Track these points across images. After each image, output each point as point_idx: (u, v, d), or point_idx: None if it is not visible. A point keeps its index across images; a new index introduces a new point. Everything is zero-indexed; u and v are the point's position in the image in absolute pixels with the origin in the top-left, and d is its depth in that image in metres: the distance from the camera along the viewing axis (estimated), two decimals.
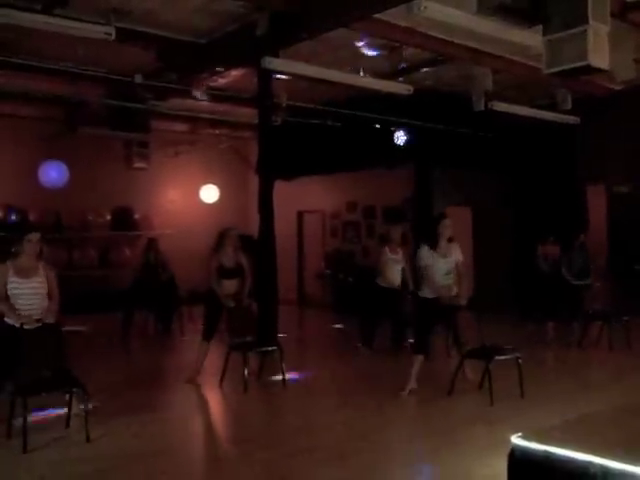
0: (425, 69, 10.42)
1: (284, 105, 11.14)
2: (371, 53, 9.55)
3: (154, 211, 14.94)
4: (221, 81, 10.56)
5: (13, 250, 5.80)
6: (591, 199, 13.08)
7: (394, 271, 9.14)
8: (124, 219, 14.55)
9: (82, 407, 5.55)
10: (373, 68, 10.07)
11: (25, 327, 5.60)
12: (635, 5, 8.07)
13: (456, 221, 12.61)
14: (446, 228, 6.94)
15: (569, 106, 11.00)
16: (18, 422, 5.22)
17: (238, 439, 5.76)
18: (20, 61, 9.31)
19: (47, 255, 6.11)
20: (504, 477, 2.18)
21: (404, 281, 9.18)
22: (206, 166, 15.58)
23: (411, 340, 8.67)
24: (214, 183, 15.65)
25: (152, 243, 11.31)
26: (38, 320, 5.72)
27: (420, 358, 6.94)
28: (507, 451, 2.16)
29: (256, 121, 9.67)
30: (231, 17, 8.53)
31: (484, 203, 13.48)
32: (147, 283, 10.85)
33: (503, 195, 13.75)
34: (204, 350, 7.63)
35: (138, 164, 14.64)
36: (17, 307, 5.68)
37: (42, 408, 5.91)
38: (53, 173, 12.57)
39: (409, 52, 9.52)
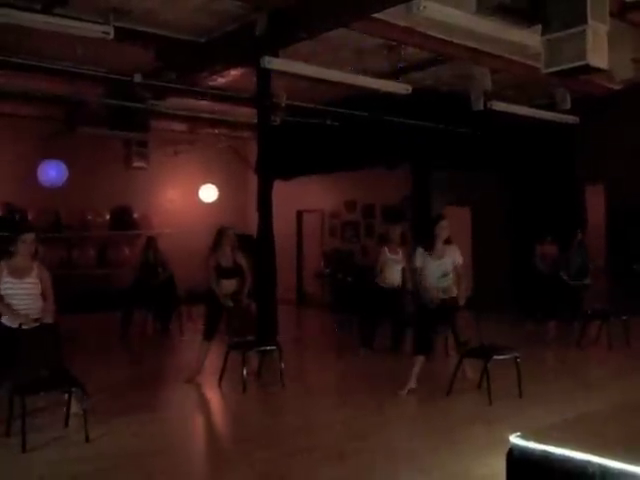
0: (424, 69, 10.43)
1: (283, 105, 11.13)
2: (368, 54, 9.54)
3: (153, 210, 14.94)
4: (220, 81, 10.56)
5: (8, 250, 5.79)
6: (590, 199, 13.09)
7: (394, 271, 9.15)
8: (123, 218, 14.55)
9: (81, 406, 5.55)
10: (372, 68, 10.07)
11: (23, 327, 5.60)
12: (634, 5, 8.08)
13: (455, 221, 12.69)
14: (443, 230, 6.95)
15: (568, 106, 11.00)
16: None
17: (237, 438, 5.77)
18: (19, 61, 9.31)
19: (42, 255, 6.09)
20: (503, 476, 2.18)
21: (404, 281, 9.18)
22: (205, 166, 15.59)
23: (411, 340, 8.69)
24: (213, 182, 15.65)
25: (151, 242, 11.31)
26: (36, 320, 5.72)
27: (421, 359, 6.94)
28: (505, 450, 2.16)
29: (255, 121, 9.67)
30: (230, 17, 8.53)
31: (483, 203, 13.48)
32: (146, 282, 10.86)
33: (502, 195, 13.75)
34: (205, 350, 7.63)
35: (137, 163, 14.64)
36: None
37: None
38: (52, 172, 12.57)
39: (408, 52, 9.52)
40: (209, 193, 15.70)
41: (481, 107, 10.29)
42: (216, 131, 14.69)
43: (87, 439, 5.32)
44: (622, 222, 12.23)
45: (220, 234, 7.70)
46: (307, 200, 15.42)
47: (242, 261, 7.71)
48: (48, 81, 10.63)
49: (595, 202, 12.90)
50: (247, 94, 10.60)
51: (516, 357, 6.72)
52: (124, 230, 14.43)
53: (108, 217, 14.48)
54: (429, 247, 6.93)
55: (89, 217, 14.24)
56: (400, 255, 9.21)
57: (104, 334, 11.24)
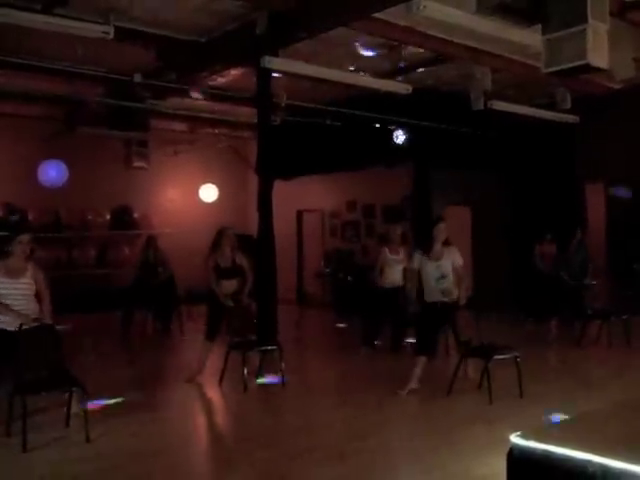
0: (424, 68, 10.42)
1: (283, 105, 11.13)
2: (368, 53, 9.54)
3: (153, 210, 14.94)
4: (220, 80, 10.56)
5: (4, 250, 5.80)
6: (590, 198, 13.09)
7: (395, 271, 9.14)
8: (123, 218, 14.55)
9: (82, 406, 5.55)
10: (372, 67, 10.07)
11: (23, 327, 5.61)
12: (634, 4, 8.08)
13: (455, 220, 12.75)
14: (440, 232, 6.98)
15: (568, 105, 11.00)
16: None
17: (238, 438, 5.77)
18: (20, 61, 9.30)
19: (38, 256, 6.10)
20: (503, 476, 2.18)
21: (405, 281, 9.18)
22: (205, 165, 15.59)
23: (412, 340, 8.69)
24: (213, 182, 15.65)
25: (151, 240, 11.31)
26: (35, 320, 5.72)
27: (423, 359, 6.95)
28: (506, 450, 2.16)
29: (255, 120, 9.66)
30: (231, 16, 8.52)
31: (483, 202, 13.48)
32: (147, 282, 10.86)
33: (502, 194, 13.75)
34: (207, 350, 7.63)
35: (137, 163, 14.65)
36: None
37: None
38: (52, 172, 12.57)
39: (408, 51, 9.52)
40: (209, 193, 15.70)
41: (481, 107, 10.29)
42: (216, 131, 14.70)
43: (87, 439, 5.33)
44: (622, 221, 12.23)
45: (219, 234, 7.69)
46: (307, 200, 15.42)
47: (243, 261, 7.71)
48: (48, 81, 10.64)
49: (595, 201, 12.91)
50: (247, 94, 10.60)
51: (516, 357, 6.73)
52: (124, 230, 14.43)
53: (108, 217, 14.48)
54: (427, 250, 6.97)
55: (89, 217, 14.24)
56: (401, 255, 9.20)
57: (104, 334, 11.24)
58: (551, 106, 11.36)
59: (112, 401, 6.65)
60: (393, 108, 11.13)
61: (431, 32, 8.46)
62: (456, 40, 8.80)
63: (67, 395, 5.72)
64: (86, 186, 13.61)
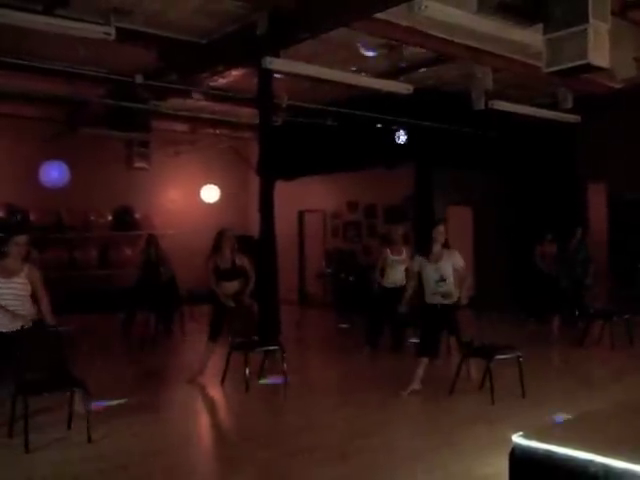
0: (425, 68, 10.42)
1: (284, 105, 11.14)
2: (369, 54, 9.54)
3: (155, 211, 14.95)
4: (221, 81, 10.57)
5: (1, 251, 5.80)
6: (592, 198, 13.08)
7: (397, 271, 9.14)
8: (125, 219, 14.56)
9: (84, 407, 5.55)
10: (373, 68, 10.07)
11: (23, 327, 5.63)
12: (635, 3, 8.08)
13: (456, 220, 12.76)
14: (440, 234, 7.00)
15: (569, 105, 11.00)
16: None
17: (239, 438, 5.77)
18: (21, 62, 9.32)
19: (35, 257, 6.10)
20: (505, 476, 2.18)
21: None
22: (207, 166, 15.59)
23: (413, 340, 8.70)
24: (215, 183, 15.66)
25: (151, 239, 11.32)
26: (33, 321, 5.74)
27: (424, 360, 6.95)
28: (508, 450, 2.16)
29: (257, 121, 9.67)
30: (231, 17, 8.53)
31: (485, 202, 13.48)
32: (148, 281, 10.85)
33: (504, 194, 13.75)
34: (210, 350, 7.63)
35: (139, 164, 14.66)
36: None
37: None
38: (54, 173, 12.58)
39: (409, 51, 9.52)
40: (210, 193, 15.71)
41: (482, 106, 10.28)
42: (217, 132, 14.70)
43: (89, 439, 5.33)
44: (624, 220, 12.22)
45: (219, 236, 7.69)
46: (309, 200, 15.42)
47: (244, 262, 7.70)
48: (50, 82, 10.65)
49: (597, 201, 12.90)
50: (248, 94, 10.60)
51: (518, 357, 6.72)
52: (126, 231, 14.44)
53: (110, 218, 14.50)
54: (426, 252, 6.98)
55: (91, 218, 14.26)
56: (404, 255, 9.21)
57: (106, 335, 11.24)
58: (552, 106, 11.36)
59: (114, 402, 6.65)
60: (394, 108, 11.13)
61: (432, 32, 8.45)
62: (457, 40, 8.80)
63: (69, 396, 5.72)
64: (87, 187, 13.62)
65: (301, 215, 15.99)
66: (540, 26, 6.34)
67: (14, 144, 13.05)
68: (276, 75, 9.32)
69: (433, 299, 6.93)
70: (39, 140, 12.84)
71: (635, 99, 10.97)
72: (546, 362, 8.93)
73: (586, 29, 5.91)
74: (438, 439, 5.46)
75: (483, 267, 12.97)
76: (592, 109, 11.58)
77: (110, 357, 9.48)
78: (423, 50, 9.34)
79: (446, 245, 7.04)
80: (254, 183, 10.55)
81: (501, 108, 10.67)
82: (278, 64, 8.53)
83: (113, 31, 7.61)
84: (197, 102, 11.78)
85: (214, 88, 10.86)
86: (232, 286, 7.60)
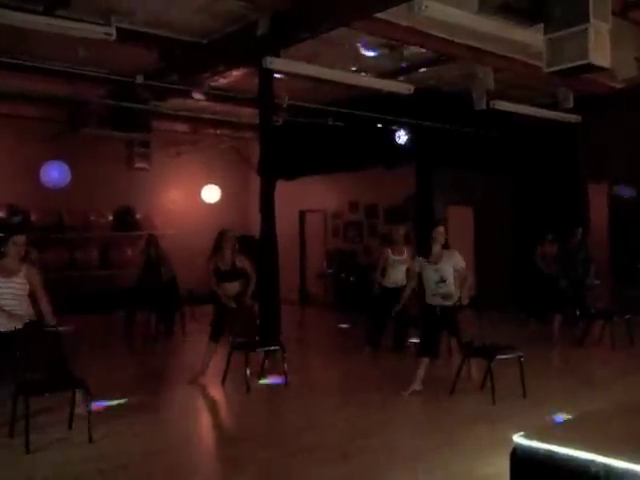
0: (426, 68, 10.42)
1: (285, 105, 11.14)
2: (370, 54, 9.54)
3: (156, 211, 14.95)
4: (222, 81, 10.56)
5: (1, 250, 5.81)
6: (593, 197, 13.08)
7: (398, 271, 9.14)
8: (126, 219, 14.56)
9: (85, 407, 5.56)
10: (374, 67, 10.06)
11: (17, 328, 5.64)
12: (636, 3, 8.07)
13: (457, 220, 12.76)
14: (439, 234, 7.00)
15: (570, 105, 10.99)
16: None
17: (240, 438, 5.77)
18: (22, 62, 9.32)
19: (34, 257, 6.11)
20: (506, 476, 2.18)
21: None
22: (208, 166, 15.59)
23: (414, 340, 8.70)
24: (215, 183, 15.65)
25: (151, 239, 11.32)
26: (31, 321, 5.75)
27: (425, 361, 6.95)
28: (509, 450, 2.16)
29: (257, 121, 9.67)
30: (232, 17, 8.52)
31: (486, 202, 13.47)
32: (149, 282, 10.85)
33: (505, 194, 13.75)
34: (211, 351, 7.62)
35: (139, 164, 14.66)
36: None
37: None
38: (55, 173, 12.58)
39: (410, 51, 9.52)
40: (211, 194, 15.70)
41: (483, 106, 10.27)
42: (218, 132, 14.70)
43: (90, 440, 5.34)
44: (625, 220, 12.22)
45: (220, 237, 7.68)
46: (310, 200, 15.41)
47: (245, 263, 7.69)
48: (50, 82, 10.65)
49: (598, 201, 12.89)
50: (249, 94, 10.60)
51: (520, 357, 6.72)
52: (127, 231, 14.43)
53: (111, 218, 14.49)
54: (427, 253, 6.99)
55: (92, 218, 14.25)
56: (405, 255, 9.20)
57: (107, 335, 11.25)
58: (553, 106, 11.35)
59: (115, 402, 6.66)
60: (395, 108, 11.13)
61: (433, 32, 8.45)
62: (458, 40, 8.79)
63: (70, 396, 5.72)
64: (88, 187, 13.62)
65: (302, 215, 15.99)
66: (541, 26, 6.33)
67: (15, 144, 13.05)
68: (276, 75, 9.32)
69: (433, 300, 6.93)
70: (40, 140, 12.84)
71: (636, 99, 10.96)
72: (547, 362, 8.94)
73: (587, 29, 5.90)
74: (439, 439, 5.46)
75: (484, 267, 12.98)
76: (593, 109, 11.58)
77: (111, 357, 9.48)
78: (424, 50, 9.33)
79: (446, 245, 7.03)
80: (255, 183, 10.54)
81: (502, 108, 10.66)
82: (279, 64, 8.53)
83: (114, 31, 7.61)
84: (198, 102, 11.78)
85: (215, 88, 10.86)
86: (233, 287, 7.60)
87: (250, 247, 9.01)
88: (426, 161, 12.50)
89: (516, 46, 8.73)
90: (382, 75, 10.11)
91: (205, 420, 6.78)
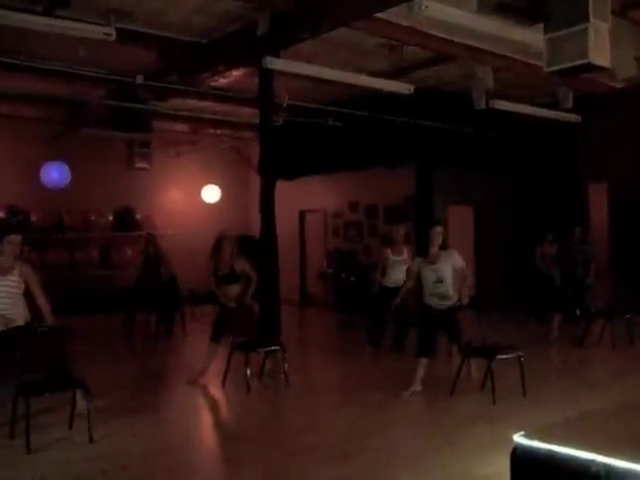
0: (426, 68, 10.42)
1: (285, 105, 11.14)
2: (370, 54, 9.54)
3: (156, 211, 14.96)
4: (222, 81, 10.56)
5: None
6: (593, 197, 13.07)
7: (398, 272, 9.13)
8: (126, 219, 14.56)
9: (86, 407, 5.56)
10: (374, 67, 10.06)
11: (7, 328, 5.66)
12: (636, 3, 8.08)
13: (457, 220, 12.76)
14: (437, 234, 7.00)
15: (570, 104, 10.99)
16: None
17: (240, 438, 5.77)
18: (21, 62, 9.32)
19: (27, 256, 6.11)
20: (506, 476, 2.18)
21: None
22: (208, 166, 15.59)
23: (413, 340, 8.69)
24: (216, 183, 15.66)
25: (150, 238, 11.33)
26: (27, 323, 5.76)
27: (424, 361, 6.95)
28: (509, 450, 2.16)
29: (257, 121, 9.67)
30: (232, 17, 8.53)
31: (486, 202, 13.47)
32: (148, 281, 10.84)
33: (505, 194, 13.75)
34: (212, 352, 7.62)
35: (140, 164, 14.66)
36: None
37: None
38: (55, 174, 12.59)
39: (410, 51, 9.52)
40: (211, 194, 15.71)
41: (483, 106, 10.28)
42: (218, 132, 14.70)
43: (91, 440, 5.34)
44: (625, 220, 12.22)
45: (219, 241, 7.67)
46: (310, 200, 15.41)
47: (245, 266, 7.67)
48: (50, 83, 10.65)
49: (598, 200, 12.89)
50: (249, 94, 10.60)
51: (520, 356, 6.72)
52: (127, 231, 14.44)
53: (111, 218, 14.50)
54: (425, 253, 6.99)
55: (92, 218, 14.26)
56: (405, 255, 9.21)
57: (107, 335, 11.24)
58: (553, 105, 11.35)
59: (115, 402, 6.66)
60: (395, 108, 11.13)
61: (432, 32, 8.44)
62: (457, 40, 8.79)
63: (70, 396, 5.72)
64: (89, 187, 13.63)
65: (302, 215, 15.99)
66: (541, 25, 6.33)
67: (15, 145, 13.05)
68: (277, 75, 9.31)
69: (430, 300, 6.93)
70: (40, 141, 12.85)
71: (636, 98, 10.97)
72: (547, 362, 8.94)
73: (587, 28, 5.90)
74: (439, 439, 5.46)
75: (484, 267, 12.98)
76: (593, 109, 11.58)
77: (111, 357, 9.48)
78: (423, 50, 9.34)
79: (444, 245, 7.03)
80: (255, 183, 10.55)
81: (502, 108, 10.67)
82: (279, 64, 8.53)
83: (113, 31, 7.61)
84: (198, 102, 11.79)
85: (215, 88, 10.86)
86: (232, 290, 7.60)
87: (250, 247, 9.01)
88: (426, 161, 12.49)
89: (516, 46, 8.73)
90: (382, 75, 10.11)
91: (205, 420, 6.78)
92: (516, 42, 8.30)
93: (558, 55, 6.12)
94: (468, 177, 12.68)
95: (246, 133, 14.38)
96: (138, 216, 14.74)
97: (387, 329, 9.38)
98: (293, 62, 8.72)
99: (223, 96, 11.51)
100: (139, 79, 10.09)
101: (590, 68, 6.26)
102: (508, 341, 7.05)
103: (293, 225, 15.53)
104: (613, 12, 6.38)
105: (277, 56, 8.51)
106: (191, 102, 11.90)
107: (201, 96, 11.57)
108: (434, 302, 6.89)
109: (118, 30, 7.70)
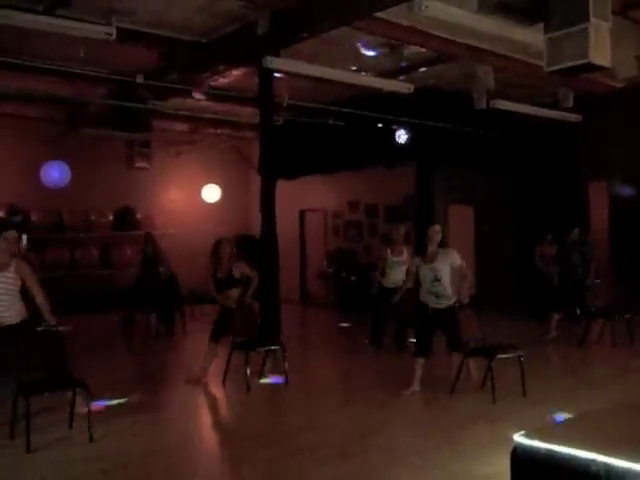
0: (426, 68, 10.42)
1: (285, 104, 11.14)
2: (370, 53, 9.54)
3: (156, 211, 14.96)
4: (222, 81, 10.56)
5: None
6: (593, 197, 13.07)
7: (397, 272, 9.12)
8: (126, 219, 14.57)
9: (86, 407, 5.56)
10: (374, 67, 10.06)
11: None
12: (636, 2, 8.07)
13: (458, 220, 12.76)
14: (435, 233, 6.99)
15: (570, 104, 10.99)
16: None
17: (240, 438, 5.77)
18: (22, 62, 9.32)
19: (23, 254, 6.09)
20: (507, 475, 2.18)
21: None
22: (208, 166, 15.60)
23: (413, 340, 8.69)
24: (216, 183, 15.66)
25: (149, 236, 11.30)
26: (23, 321, 5.77)
27: (421, 361, 6.95)
28: (509, 449, 2.16)
29: (258, 121, 9.67)
30: (232, 17, 8.53)
31: (486, 201, 13.47)
32: (147, 281, 10.82)
33: (505, 193, 13.74)
34: (212, 352, 7.61)
35: (140, 164, 14.64)
36: None
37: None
38: (55, 173, 12.59)
39: (410, 51, 9.51)
40: (212, 193, 15.71)
41: (484, 106, 10.27)
42: (218, 131, 14.71)
43: (91, 439, 5.34)
44: (625, 219, 12.21)
45: (217, 246, 7.65)
46: (310, 200, 15.42)
47: (244, 269, 7.65)
48: (51, 82, 10.65)
49: (598, 200, 12.88)
50: (249, 94, 10.60)
51: (520, 356, 6.72)
52: (127, 231, 14.44)
53: (111, 218, 14.51)
54: (423, 252, 7.00)
55: (92, 218, 14.27)
56: (404, 255, 9.20)
57: (107, 335, 11.24)
58: (553, 105, 11.35)
59: (115, 402, 6.66)
60: (395, 108, 11.13)
61: (433, 31, 8.45)
62: (458, 39, 8.79)
63: (70, 395, 5.72)
64: (89, 187, 13.64)
65: (302, 214, 16.00)
66: (541, 25, 6.33)
67: (15, 144, 13.06)
68: (277, 74, 9.31)
69: (427, 298, 6.93)
70: (40, 140, 12.84)
71: (636, 98, 10.96)
72: (547, 361, 8.94)
73: (587, 28, 5.89)
74: (439, 438, 5.46)
75: (484, 266, 12.98)
76: (593, 108, 11.57)
77: (110, 357, 9.48)
78: (424, 49, 9.34)
79: (442, 244, 7.02)
80: (255, 182, 10.55)
81: (502, 107, 10.66)
82: (279, 63, 8.53)
83: (114, 31, 7.62)
84: (198, 102, 11.78)
85: (215, 88, 10.86)
86: (232, 293, 7.59)
87: (250, 247, 9.01)
88: (426, 160, 12.49)
89: (516, 45, 8.73)
90: (382, 74, 10.11)
91: (205, 419, 6.78)
92: (516, 42, 8.30)
93: (558, 55, 6.12)
94: (468, 177, 12.67)
95: (246, 133, 14.39)
96: (138, 216, 14.74)
97: (387, 328, 9.38)
98: (293, 61, 8.72)
99: (223, 96, 11.51)
100: (139, 79, 10.10)
101: (590, 68, 6.25)
102: (508, 340, 7.05)
103: (293, 225, 15.54)
104: (613, 12, 6.37)
105: (277, 55, 8.50)
106: (191, 102, 11.90)
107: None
108: (431, 301, 6.89)
109: (119, 30, 7.71)
